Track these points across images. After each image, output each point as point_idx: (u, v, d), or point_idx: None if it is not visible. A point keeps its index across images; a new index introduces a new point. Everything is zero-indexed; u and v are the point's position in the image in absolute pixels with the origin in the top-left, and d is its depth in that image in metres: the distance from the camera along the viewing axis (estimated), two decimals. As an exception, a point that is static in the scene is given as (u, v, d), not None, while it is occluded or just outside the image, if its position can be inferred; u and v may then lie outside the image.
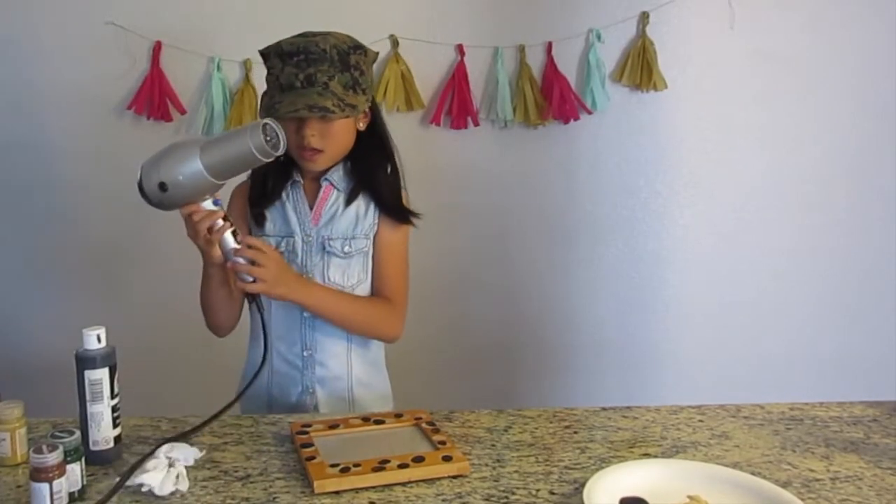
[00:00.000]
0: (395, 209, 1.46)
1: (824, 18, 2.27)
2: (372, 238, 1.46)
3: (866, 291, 2.37)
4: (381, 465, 1.07)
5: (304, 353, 1.46)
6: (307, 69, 1.34)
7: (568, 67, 2.25)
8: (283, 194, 1.46)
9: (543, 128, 2.27)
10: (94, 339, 1.12)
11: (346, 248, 1.44)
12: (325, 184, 1.46)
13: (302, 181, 1.46)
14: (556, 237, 2.34)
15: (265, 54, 1.39)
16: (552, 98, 2.22)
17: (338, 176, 1.46)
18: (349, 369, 1.48)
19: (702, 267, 2.35)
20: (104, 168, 2.24)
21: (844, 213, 2.34)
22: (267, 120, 1.22)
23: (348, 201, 1.45)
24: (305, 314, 1.44)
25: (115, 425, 1.14)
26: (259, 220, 1.46)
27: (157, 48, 2.17)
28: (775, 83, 2.28)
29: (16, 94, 2.21)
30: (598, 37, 2.23)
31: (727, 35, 2.25)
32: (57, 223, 2.26)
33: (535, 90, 2.24)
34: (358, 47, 1.38)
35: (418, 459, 1.09)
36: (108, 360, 1.13)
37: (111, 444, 1.13)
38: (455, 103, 2.22)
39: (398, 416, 1.27)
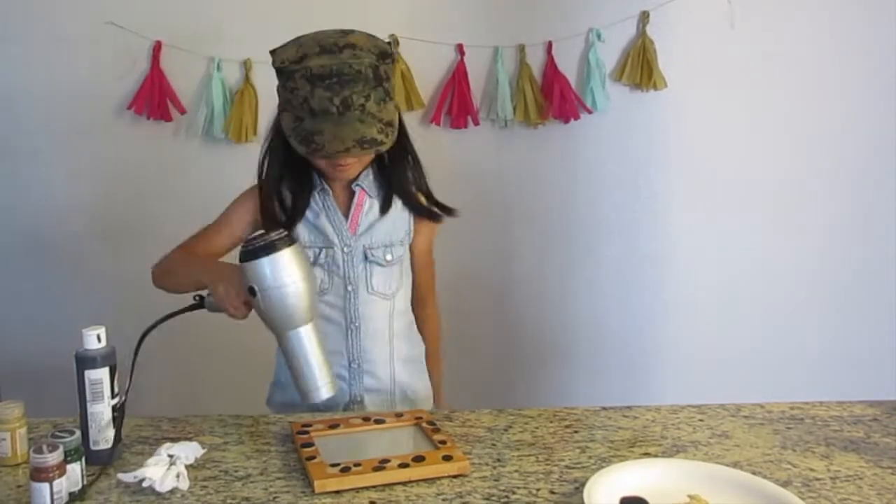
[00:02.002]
0: (429, 211, 1.44)
1: (824, 18, 2.27)
2: (408, 243, 1.45)
3: (866, 290, 2.37)
4: (382, 465, 1.07)
5: (352, 365, 1.43)
6: (341, 92, 1.24)
7: (568, 67, 2.25)
8: (314, 203, 1.40)
9: (543, 127, 2.27)
10: (94, 339, 1.12)
11: (388, 257, 1.41)
12: (357, 189, 1.40)
13: (330, 189, 1.41)
14: (556, 237, 2.34)
15: (287, 72, 1.28)
16: (552, 98, 2.22)
17: (368, 182, 1.41)
18: (392, 375, 1.46)
19: (701, 266, 2.35)
20: (104, 167, 2.24)
21: (844, 213, 2.34)
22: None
23: (382, 209, 1.42)
24: (353, 324, 1.42)
25: (115, 425, 1.14)
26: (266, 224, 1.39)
27: (157, 48, 2.18)
28: (775, 83, 2.28)
29: (16, 94, 2.21)
30: (599, 36, 2.23)
31: (727, 34, 2.25)
32: (57, 223, 2.26)
33: (536, 90, 2.24)
34: (385, 55, 1.30)
35: (419, 459, 1.09)
36: (108, 359, 1.13)
37: (111, 444, 1.13)
38: (455, 103, 2.22)
39: (398, 415, 1.27)
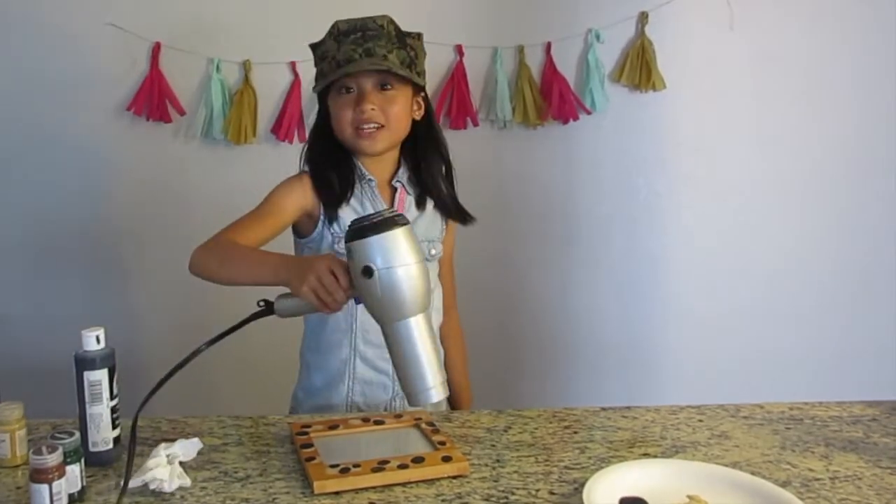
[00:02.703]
0: (457, 212, 1.47)
1: (824, 18, 2.27)
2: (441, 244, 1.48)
3: (866, 291, 2.37)
4: (381, 466, 1.07)
5: None
6: (365, 44, 1.33)
7: (567, 68, 2.25)
8: (360, 193, 1.41)
9: (542, 128, 2.27)
10: (94, 341, 1.12)
11: (433, 251, 1.44)
12: (398, 185, 1.43)
13: (375, 181, 1.42)
14: (555, 237, 2.34)
15: (318, 42, 1.39)
16: (551, 98, 2.22)
17: (405, 180, 1.45)
18: None
19: (701, 267, 2.35)
20: (104, 168, 2.24)
21: (844, 213, 2.35)
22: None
23: (419, 204, 1.45)
24: None
25: (114, 426, 1.14)
26: (332, 220, 1.40)
27: (156, 49, 2.17)
28: (774, 83, 2.28)
29: (15, 95, 2.20)
30: (598, 37, 2.23)
31: (726, 35, 2.25)
32: (57, 223, 2.26)
33: (535, 90, 2.24)
34: (411, 33, 1.39)
35: (418, 460, 1.09)
36: (107, 361, 1.13)
37: (110, 446, 1.13)
38: (454, 104, 2.22)
39: (398, 416, 1.27)
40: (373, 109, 1.34)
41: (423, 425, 1.22)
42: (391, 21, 1.36)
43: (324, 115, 1.43)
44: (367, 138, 1.36)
